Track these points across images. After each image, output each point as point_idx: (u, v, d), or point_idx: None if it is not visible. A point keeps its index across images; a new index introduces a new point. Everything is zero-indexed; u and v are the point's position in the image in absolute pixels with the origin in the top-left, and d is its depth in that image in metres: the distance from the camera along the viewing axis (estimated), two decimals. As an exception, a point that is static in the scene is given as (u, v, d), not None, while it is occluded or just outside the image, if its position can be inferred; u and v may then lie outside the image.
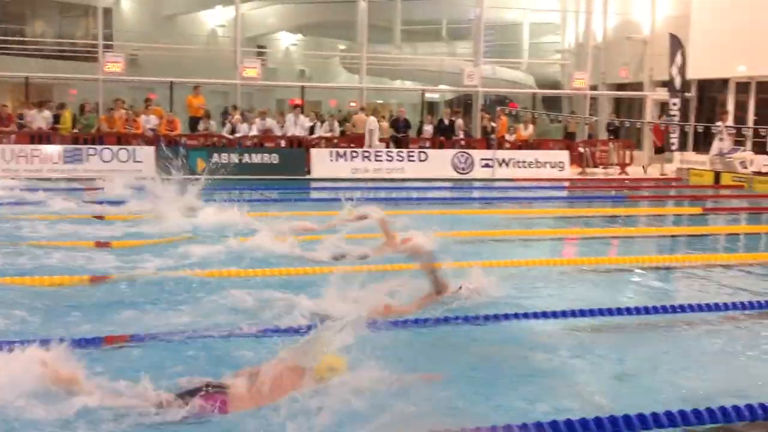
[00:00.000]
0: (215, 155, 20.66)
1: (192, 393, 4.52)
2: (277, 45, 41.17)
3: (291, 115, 23.88)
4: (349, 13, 29.46)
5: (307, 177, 20.73)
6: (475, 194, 19.29)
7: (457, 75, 28.73)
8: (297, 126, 23.30)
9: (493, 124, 24.19)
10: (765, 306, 7.26)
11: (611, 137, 25.74)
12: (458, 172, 21.91)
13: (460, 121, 25.25)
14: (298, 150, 22.27)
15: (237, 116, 23.37)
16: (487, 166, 22.13)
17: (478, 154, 22.51)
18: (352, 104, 30.45)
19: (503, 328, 6.44)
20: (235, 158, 20.83)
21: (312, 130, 23.66)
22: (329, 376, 4.63)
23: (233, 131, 22.88)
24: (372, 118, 23.38)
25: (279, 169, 20.68)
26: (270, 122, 23.41)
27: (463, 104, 33.99)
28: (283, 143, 22.68)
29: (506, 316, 6.63)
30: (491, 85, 30.62)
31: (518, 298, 7.36)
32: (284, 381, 4.61)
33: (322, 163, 21.42)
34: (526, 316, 6.69)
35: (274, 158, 21.19)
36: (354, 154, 21.66)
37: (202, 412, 4.39)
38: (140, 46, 30.89)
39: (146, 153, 20.31)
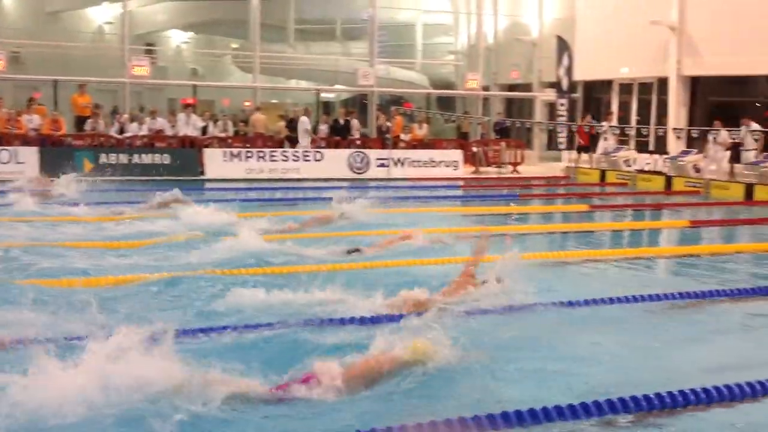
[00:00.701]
0: (103, 155, 20.00)
1: (298, 379, 4.76)
2: (168, 43, 40.21)
3: (182, 114, 23.37)
4: (241, 12, 29.06)
5: (201, 178, 20.32)
6: (372, 194, 19.31)
7: (352, 75, 28.78)
8: (189, 126, 22.81)
9: (389, 124, 24.33)
10: (650, 299, 7.49)
11: (498, 137, 26.26)
12: (354, 172, 21.92)
13: (355, 121, 25.29)
14: (190, 150, 21.81)
15: (126, 116, 22.68)
16: (382, 165, 22.23)
17: (373, 154, 22.59)
18: (247, 104, 30.06)
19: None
20: (124, 159, 20.22)
21: (205, 130, 23.23)
22: (421, 360, 4.97)
23: (122, 131, 22.20)
24: (304, 118, 23.35)
25: (171, 170, 20.19)
26: (161, 122, 22.84)
27: (358, 104, 34.06)
28: (174, 143, 22.16)
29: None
30: (386, 85, 30.80)
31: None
32: (380, 365, 4.91)
33: (216, 163, 21.03)
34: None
35: (166, 158, 20.68)
36: (248, 155, 21.37)
37: (309, 398, 4.63)
38: (23, 43, 29.62)
39: (29, 154, 19.48)
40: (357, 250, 9.25)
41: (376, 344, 5.10)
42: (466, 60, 34.41)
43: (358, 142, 24.07)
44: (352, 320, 6.37)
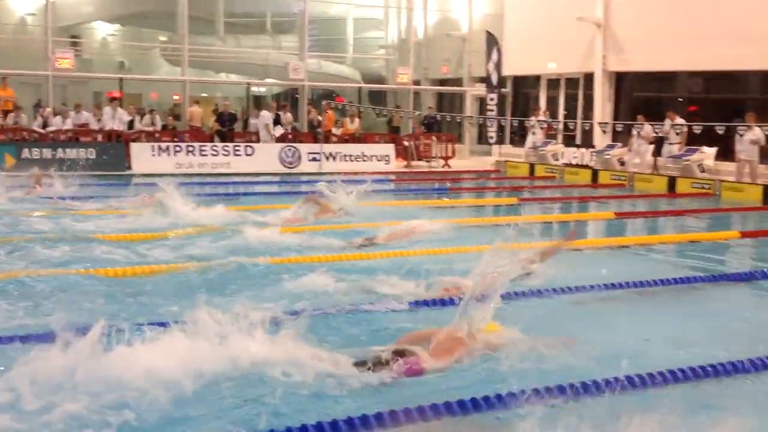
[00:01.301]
0: (26, 150, 19.43)
1: (382, 360, 5.03)
2: (94, 35, 39.25)
3: (108, 108, 22.88)
4: (169, 4, 28.54)
5: (128, 173, 19.91)
6: (303, 188, 19.21)
7: (283, 69, 28.60)
8: (115, 120, 22.36)
9: (320, 118, 24.26)
10: (576, 291, 7.63)
11: (427, 131, 26.43)
12: (285, 166, 21.79)
13: (288, 115, 25.14)
14: (116, 144, 21.35)
15: (49, 109, 22.08)
16: (314, 159, 22.15)
17: (305, 148, 22.48)
18: (176, 97, 29.58)
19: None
20: (48, 153, 19.66)
21: (132, 124, 22.79)
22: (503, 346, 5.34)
23: (45, 125, 21.60)
24: (265, 113, 23.11)
25: (97, 165, 19.73)
26: (86, 116, 22.32)
27: (290, 98, 33.87)
28: (100, 137, 21.68)
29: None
30: (317, 79, 30.71)
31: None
32: (454, 347, 5.23)
33: (143, 158, 20.62)
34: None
35: (91, 153, 20.19)
36: (177, 149, 21.03)
37: (397, 377, 4.91)
38: (-61, 35, 28.58)
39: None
40: (370, 243, 9.73)
41: (454, 325, 5.39)
42: (397, 54, 34.52)
43: (290, 137, 23.94)
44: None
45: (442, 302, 6.86)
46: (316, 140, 23.39)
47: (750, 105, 20.62)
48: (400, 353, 5.10)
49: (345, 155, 22.75)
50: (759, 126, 18.21)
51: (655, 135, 20.68)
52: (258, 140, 22.99)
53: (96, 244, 9.28)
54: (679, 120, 20.48)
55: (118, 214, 11.87)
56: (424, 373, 5.04)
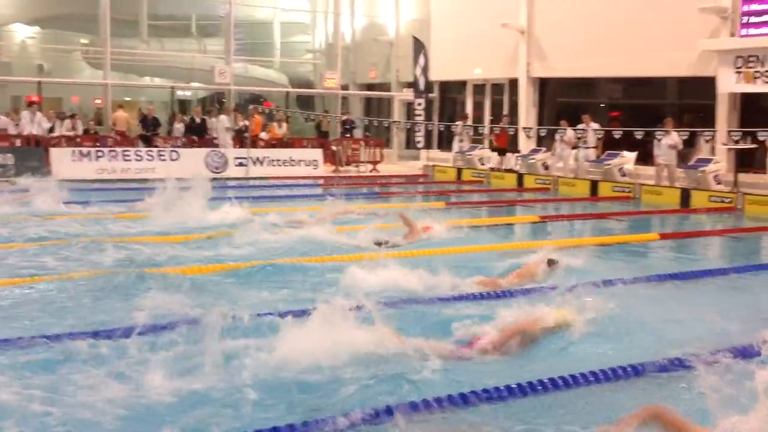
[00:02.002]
0: (-62, 156, 18.76)
1: (468, 343, 5.74)
2: (12, 38, 38.12)
3: (26, 112, 22.23)
4: (90, 6, 27.89)
5: (48, 179, 19.31)
6: (230, 193, 18.97)
7: (209, 72, 28.24)
8: (34, 124, 21.73)
9: (247, 123, 24.02)
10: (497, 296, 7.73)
11: (347, 135, 26.44)
12: (212, 172, 21.47)
13: (213, 120, 24.83)
14: (35, 149, 20.73)
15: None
16: (241, 164, 21.91)
17: (232, 153, 22.23)
18: (98, 101, 28.90)
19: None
20: (-38, 159, 19.00)
21: (52, 128, 22.18)
22: (564, 326, 5.94)
23: (-40, 130, 20.88)
24: (224, 117, 22.87)
25: (15, 171, 19.11)
26: (3, 120, 21.65)
27: (217, 102, 33.48)
28: (18, 142, 21.02)
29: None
30: (244, 83, 30.42)
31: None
32: (532, 329, 5.87)
33: (64, 163, 20.04)
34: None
35: (9, 158, 19.57)
36: (99, 154, 20.55)
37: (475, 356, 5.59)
38: None
39: None
40: (386, 243, 10.17)
41: (526, 312, 6.08)
42: (324, 59, 34.49)
43: (216, 141, 23.64)
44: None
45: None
46: (243, 145, 23.15)
47: (668, 110, 21.26)
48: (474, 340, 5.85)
49: (273, 160, 22.57)
50: (676, 131, 18.78)
51: (577, 139, 21.12)
52: (217, 144, 22.96)
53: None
54: (594, 125, 20.93)
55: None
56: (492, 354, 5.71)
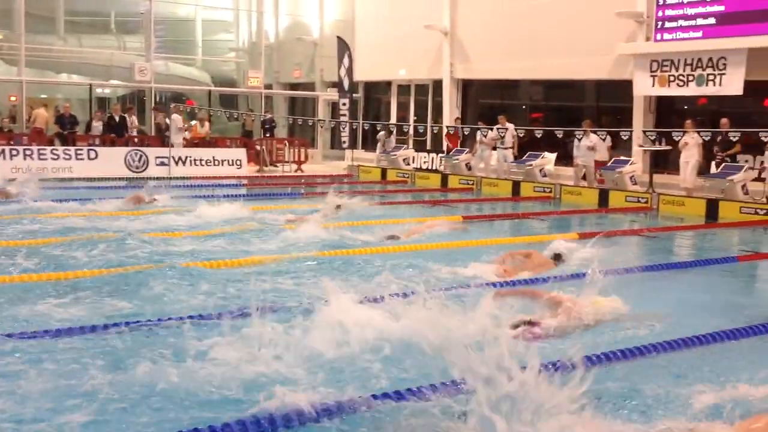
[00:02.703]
0: None
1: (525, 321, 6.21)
2: None
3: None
4: (4, 1, 26.97)
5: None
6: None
7: (128, 70, 27.64)
8: (-56, 121, 20.90)
9: (168, 121, 23.60)
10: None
11: (267, 135, 26.29)
12: (132, 171, 21.03)
13: (133, 118, 24.31)
14: (-55, 148, 19.95)
15: None
16: (162, 164, 21.51)
17: (152, 152, 21.78)
18: (12, 98, 27.95)
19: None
20: None
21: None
22: (609, 316, 6.45)
23: None
24: (176, 116, 22.58)
25: None
26: None
27: (137, 100, 32.77)
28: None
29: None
30: (165, 81, 29.88)
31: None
32: (580, 315, 6.34)
33: (-24, 162, 19.36)
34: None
35: None
36: (14, 152, 19.88)
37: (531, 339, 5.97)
38: None
39: None
40: (396, 237, 10.84)
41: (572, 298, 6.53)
42: (247, 57, 34.15)
43: (136, 140, 23.15)
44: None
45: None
46: (164, 144, 22.73)
47: (587, 112, 21.79)
48: (530, 323, 6.22)
49: (195, 160, 22.22)
50: (594, 132, 19.25)
51: (493, 140, 21.44)
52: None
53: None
54: (510, 125, 21.28)
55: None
56: (544, 339, 6.07)
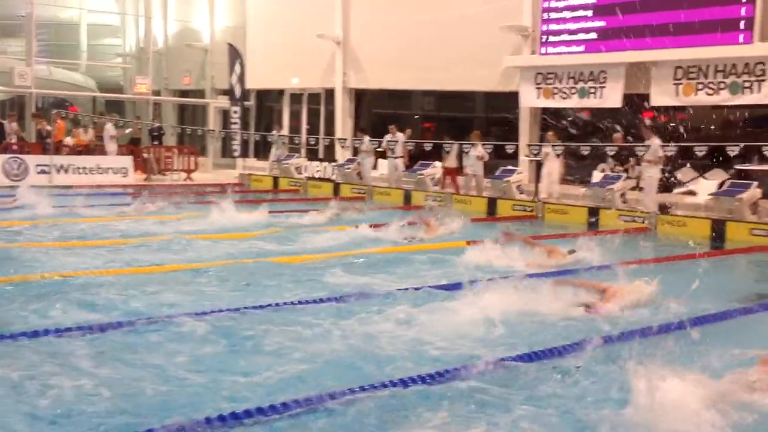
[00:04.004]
0: None
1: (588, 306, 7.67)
2: None
3: None
4: None
5: None
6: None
7: (8, 74, 26.46)
8: None
9: (49, 128, 22.69)
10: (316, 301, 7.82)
11: (155, 143, 25.72)
12: (10, 179, 20.10)
13: (13, 125, 23.26)
14: None
15: None
16: (43, 172, 20.67)
17: (33, 160, 20.90)
18: None
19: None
20: None
21: None
22: (646, 298, 7.75)
23: None
24: (109, 125, 22.16)
25: None
26: None
27: (17, 106, 31.38)
28: None
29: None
30: (47, 86, 28.75)
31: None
32: (629, 296, 7.73)
33: None
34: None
35: None
36: None
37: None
38: None
39: None
40: (414, 238, 12.39)
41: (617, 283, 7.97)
42: (135, 63, 33.28)
43: (15, 147, 22.16)
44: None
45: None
46: (45, 151, 21.84)
47: (477, 123, 22.24)
48: (587, 306, 7.64)
49: (78, 168, 21.47)
50: (482, 143, 19.63)
51: (374, 148, 21.64)
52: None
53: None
54: (401, 135, 21.49)
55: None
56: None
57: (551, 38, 19.86)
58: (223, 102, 27.91)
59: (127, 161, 22.69)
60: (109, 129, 22.88)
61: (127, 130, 25.09)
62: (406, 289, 8.41)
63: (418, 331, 6.74)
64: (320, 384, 5.31)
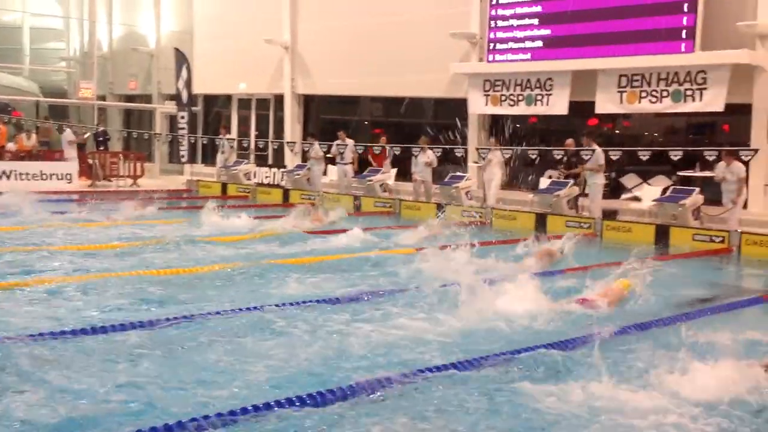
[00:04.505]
0: None
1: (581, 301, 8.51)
2: None
3: None
4: None
5: None
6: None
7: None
8: None
9: (-9, 134, 22.21)
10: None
11: (100, 148, 25.33)
12: (-51, 186, 19.59)
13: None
14: None
15: None
16: (-16, 178, 20.19)
17: (-28, 166, 20.42)
18: None
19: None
20: None
21: None
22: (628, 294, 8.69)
23: None
24: (68, 131, 22.02)
25: None
26: None
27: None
28: None
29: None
30: (-12, 90, 28.11)
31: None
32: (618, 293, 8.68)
33: None
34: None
35: None
36: None
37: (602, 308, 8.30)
38: None
39: None
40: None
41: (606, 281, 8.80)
42: (79, 68, 32.72)
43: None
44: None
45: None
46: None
47: (426, 129, 22.35)
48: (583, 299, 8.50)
49: (21, 174, 21.04)
50: (430, 148, 19.73)
51: (324, 154, 21.63)
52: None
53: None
54: (350, 141, 21.51)
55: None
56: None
57: (498, 46, 20.07)
58: (170, 107, 27.57)
59: (72, 167, 22.28)
60: (68, 135, 22.54)
61: (86, 135, 24.65)
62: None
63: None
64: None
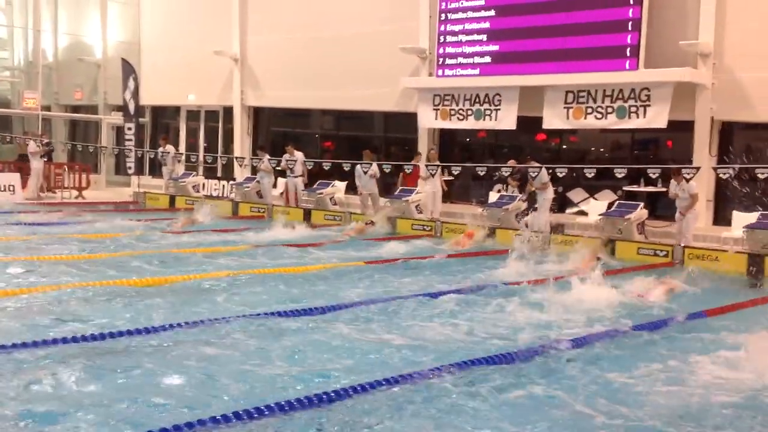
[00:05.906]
0: None
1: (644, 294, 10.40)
2: None
3: None
4: None
5: None
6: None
7: None
8: None
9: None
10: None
11: (44, 159, 24.83)
12: None
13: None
14: None
15: None
16: None
17: None
18: None
19: None
20: None
21: None
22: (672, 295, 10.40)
23: None
24: (31, 142, 21.99)
25: None
26: None
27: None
28: None
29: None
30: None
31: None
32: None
33: None
34: None
35: None
36: None
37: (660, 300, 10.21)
38: None
39: None
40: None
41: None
42: (23, 77, 32.12)
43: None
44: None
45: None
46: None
47: (377, 143, 22.42)
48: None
49: (-39, 185, 20.53)
50: (375, 162, 19.69)
51: (274, 167, 21.55)
52: None
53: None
54: (299, 154, 21.41)
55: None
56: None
57: (448, 61, 20.25)
58: (117, 118, 27.19)
59: (15, 178, 21.82)
60: (31, 146, 22.18)
61: (49, 147, 24.18)
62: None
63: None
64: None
